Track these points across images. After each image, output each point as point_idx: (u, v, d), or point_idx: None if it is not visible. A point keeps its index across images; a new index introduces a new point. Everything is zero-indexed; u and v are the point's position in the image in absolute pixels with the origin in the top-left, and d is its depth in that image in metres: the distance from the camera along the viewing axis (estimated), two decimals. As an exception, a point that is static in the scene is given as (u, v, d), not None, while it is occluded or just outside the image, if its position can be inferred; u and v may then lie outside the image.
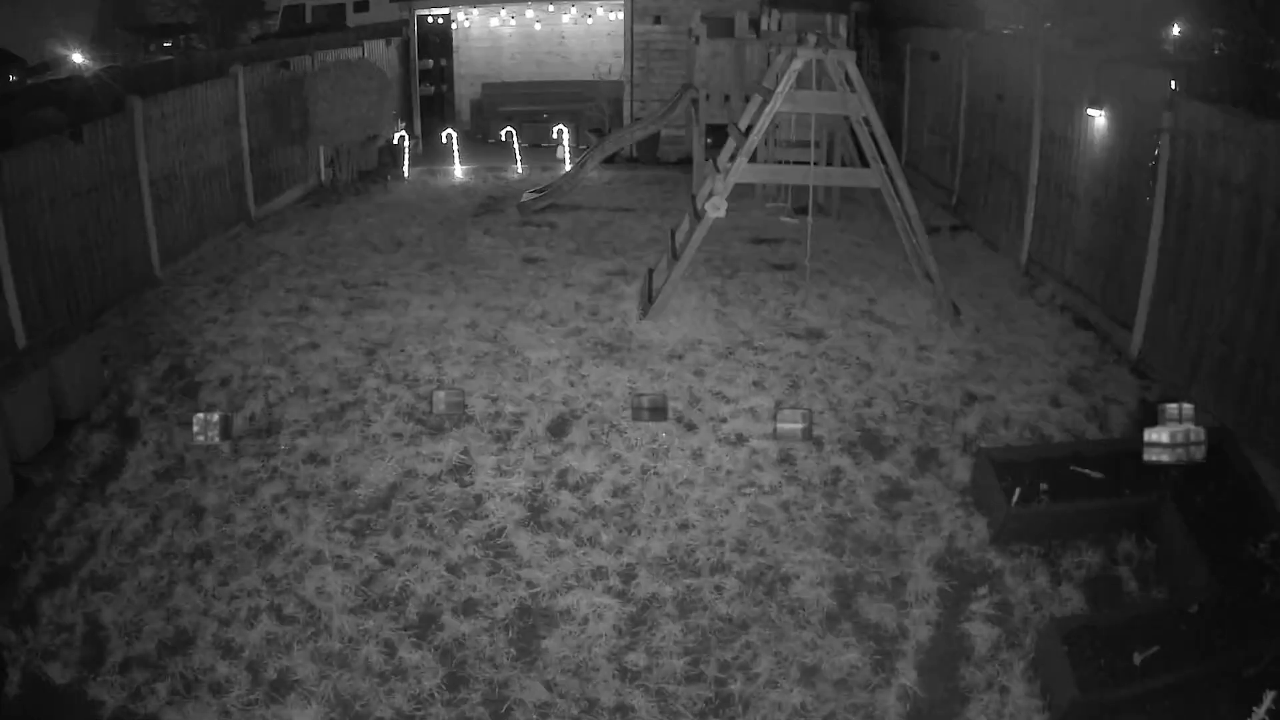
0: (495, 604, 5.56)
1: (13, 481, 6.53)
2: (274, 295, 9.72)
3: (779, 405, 7.29)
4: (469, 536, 6.07)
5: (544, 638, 5.34)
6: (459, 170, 15.85)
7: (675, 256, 9.21)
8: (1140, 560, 5.80)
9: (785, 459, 6.75)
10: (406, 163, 15.73)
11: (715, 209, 8.63)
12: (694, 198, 9.85)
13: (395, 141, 15.67)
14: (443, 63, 19.24)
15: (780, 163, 11.68)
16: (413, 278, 10.26)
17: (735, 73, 13.03)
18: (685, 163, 15.57)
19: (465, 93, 19.88)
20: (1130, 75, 8.25)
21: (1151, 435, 5.91)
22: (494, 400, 7.49)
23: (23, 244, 7.92)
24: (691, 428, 7.10)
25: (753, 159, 8.99)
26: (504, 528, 6.15)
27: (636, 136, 14.24)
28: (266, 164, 12.96)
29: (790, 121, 11.69)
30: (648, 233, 11.91)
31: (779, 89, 8.51)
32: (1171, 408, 6.02)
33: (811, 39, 8.61)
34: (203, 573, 5.81)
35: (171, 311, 9.33)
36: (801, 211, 11.24)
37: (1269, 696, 4.53)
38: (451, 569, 5.82)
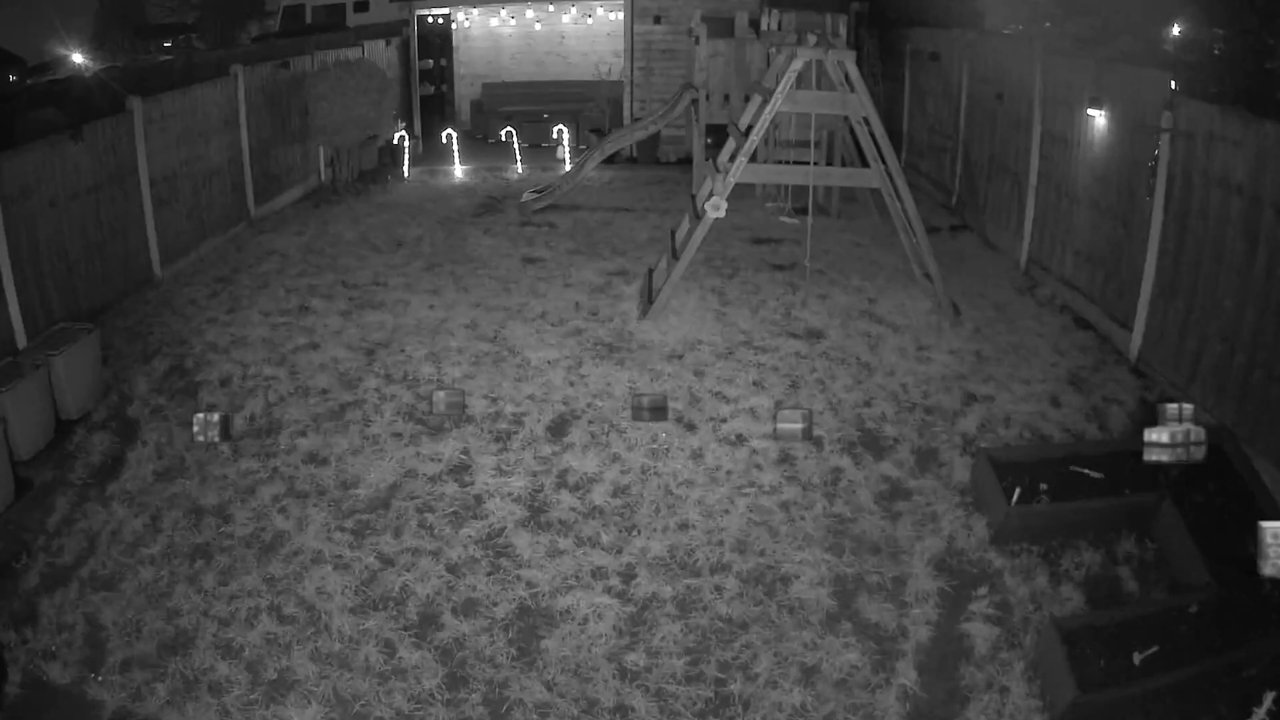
0: (495, 604, 5.56)
1: (13, 481, 6.54)
2: (274, 295, 9.72)
3: (779, 405, 7.29)
4: (469, 536, 6.07)
5: (544, 638, 5.34)
6: (459, 170, 15.85)
7: (675, 256, 9.21)
8: (1140, 560, 5.79)
9: (785, 459, 6.75)
10: (406, 163, 15.73)
11: (715, 209, 8.63)
12: (694, 198, 9.85)
13: (395, 141, 15.67)
14: (443, 63, 19.24)
15: (780, 163, 11.68)
16: (412, 278, 10.26)
17: (735, 73, 13.03)
18: (685, 163, 15.58)
19: (465, 93, 19.88)
20: (1130, 75, 8.26)
21: (1151, 435, 5.91)
22: (494, 400, 7.49)
23: (23, 244, 7.92)
24: (691, 428, 7.10)
25: (753, 159, 8.99)
26: (504, 528, 6.15)
27: (636, 136, 14.24)
28: (266, 164, 12.95)
29: (790, 121, 11.71)
30: (648, 233, 11.92)
31: (779, 89, 8.51)
32: (1171, 408, 6.03)
33: (811, 39, 8.61)
34: (202, 573, 5.81)
35: (171, 311, 9.33)
36: (801, 211, 11.24)
37: (1269, 696, 4.53)
38: (451, 569, 5.82)
